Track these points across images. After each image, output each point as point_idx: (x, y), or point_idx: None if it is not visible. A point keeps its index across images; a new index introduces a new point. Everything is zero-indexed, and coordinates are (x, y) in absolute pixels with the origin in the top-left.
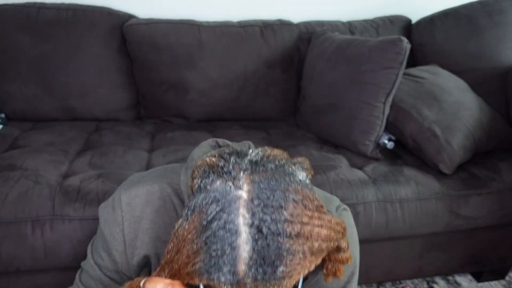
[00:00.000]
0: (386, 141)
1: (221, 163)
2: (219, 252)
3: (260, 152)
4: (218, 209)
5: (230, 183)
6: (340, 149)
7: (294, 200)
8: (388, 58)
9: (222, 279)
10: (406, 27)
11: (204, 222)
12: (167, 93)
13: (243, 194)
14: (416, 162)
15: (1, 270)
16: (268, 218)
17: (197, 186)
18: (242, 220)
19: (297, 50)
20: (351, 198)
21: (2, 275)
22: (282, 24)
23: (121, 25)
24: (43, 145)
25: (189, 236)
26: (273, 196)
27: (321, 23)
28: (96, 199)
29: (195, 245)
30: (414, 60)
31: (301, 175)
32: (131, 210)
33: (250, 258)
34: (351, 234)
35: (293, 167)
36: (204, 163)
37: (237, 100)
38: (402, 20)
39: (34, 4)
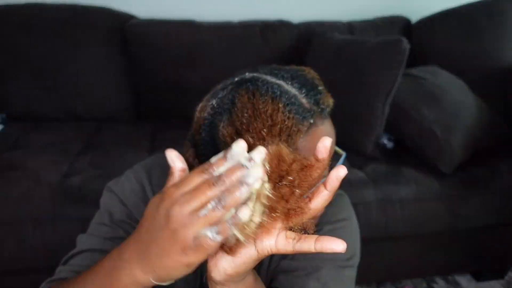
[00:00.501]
0: (386, 141)
1: (213, 91)
2: (288, 100)
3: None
4: (251, 86)
5: (235, 79)
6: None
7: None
8: (388, 58)
9: (307, 119)
10: (406, 27)
11: (252, 99)
12: (167, 93)
13: (251, 74)
14: (416, 162)
15: (2, 270)
16: (280, 72)
17: (210, 107)
18: (270, 79)
19: (297, 50)
20: (351, 198)
21: (2, 275)
22: (282, 24)
23: (121, 25)
24: (43, 145)
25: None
26: (266, 68)
27: (321, 23)
28: (96, 200)
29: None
30: (414, 60)
31: None
32: (149, 177)
33: (301, 91)
34: (352, 221)
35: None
36: (201, 107)
37: None
38: (402, 20)
39: (35, 4)
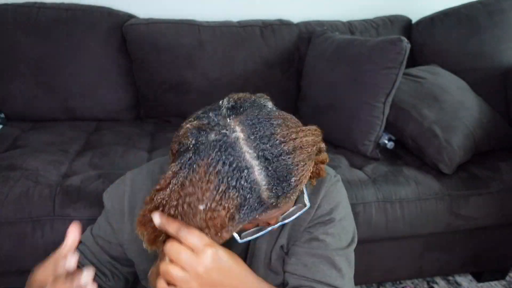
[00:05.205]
0: (386, 141)
1: (205, 121)
2: (242, 192)
3: (230, 99)
4: (223, 156)
5: (224, 131)
6: (340, 149)
7: (278, 124)
8: (388, 58)
9: (253, 213)
10: (406, 27)
11: (212, 170)
12: (167, 93)
13: (239, 134)
14: (416, 162)
15: (1, 270)
16: (267, 146)
17: (187, 146)
18: (248, 156)
19: (297, 50)
20: (351, 198)
21: (2, 275)
22: (282, 24)
23: (121, 25)
24: (43, 145)
25: (201, 190)
26: (262, 128)
27: (321, 23)
28: (96, 200)
29: (212, 199)
30: (414, 60)
31: (270, 104)
32: (132, 184)
33: (268, 183)
34: (346, 203)
35: (261, 100)
36: (187, 129)
37: None
38: (402, 20)
39: (34, 4)
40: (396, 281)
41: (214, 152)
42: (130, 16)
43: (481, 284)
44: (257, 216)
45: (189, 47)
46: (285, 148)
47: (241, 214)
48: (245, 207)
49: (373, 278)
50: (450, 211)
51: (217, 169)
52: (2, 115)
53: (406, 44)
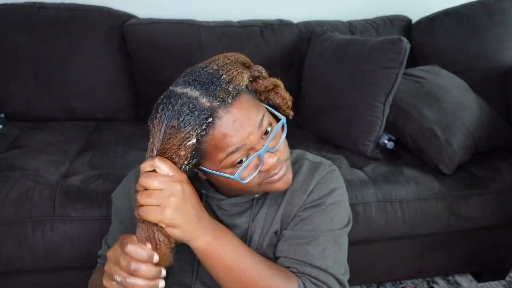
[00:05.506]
0: (386, 141)
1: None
2: (181, 108)
3: None
4: (163, 104)
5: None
6: (340, 149)
7: (200, 63)
8: (388, 58)
9: (203, 120)
10: (406, 27)
11: (161, 117)
12: None
13: (171, 88)
14: (416, 162)
15: (2, 270)
16: (191, 76)
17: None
18: (180, 89)
19: (297, 50)
20: (351, 198)
21: (3, 275)
22: (282, 24)
23: (121, 25)
24: (43, 145)
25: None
26: (188, 72)
27: (321, 23)
28: (96, 200)
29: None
30: (414, 60)
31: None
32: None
33: (203, 91)
34: (342, 191)
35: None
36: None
37: None
38: (402, 20)
39: (34, 4)
40: (396, 281)
41: (160, 108)
42: (130, 16)
43: (481, 284)
44: (213, 122)
45: (189, 47)
46: (202, 65)
47: (191, 125)
48: (191, 117)
49: (373, 278)
50: (450, 211)
51: (163, 112)
52: (2, 115)
53: (406, 44)
